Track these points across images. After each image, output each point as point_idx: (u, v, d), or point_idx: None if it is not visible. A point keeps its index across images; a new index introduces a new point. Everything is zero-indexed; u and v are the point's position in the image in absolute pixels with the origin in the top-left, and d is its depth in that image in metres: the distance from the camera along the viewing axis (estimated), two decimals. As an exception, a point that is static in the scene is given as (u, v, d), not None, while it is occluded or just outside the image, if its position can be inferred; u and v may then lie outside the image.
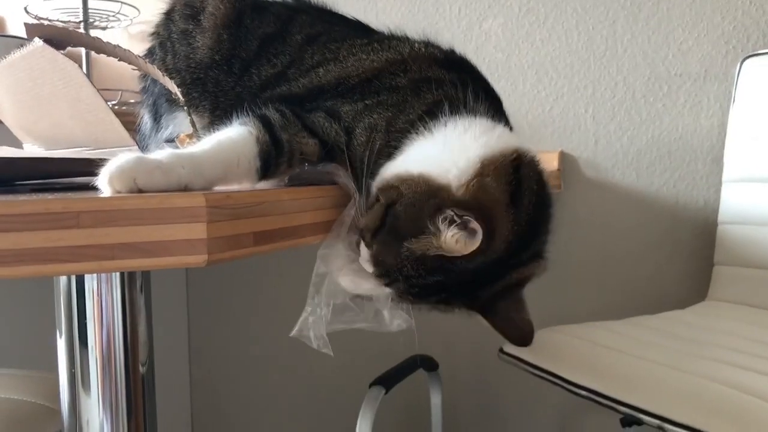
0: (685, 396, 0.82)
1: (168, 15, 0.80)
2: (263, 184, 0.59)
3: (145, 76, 0.81)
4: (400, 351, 1.36)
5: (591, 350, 0.99)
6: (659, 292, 1.40)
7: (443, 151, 0.59)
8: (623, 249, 1.43)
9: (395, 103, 0.62)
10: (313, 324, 0.63)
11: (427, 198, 0.57)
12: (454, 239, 0.55)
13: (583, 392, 0.92)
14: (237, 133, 0.57)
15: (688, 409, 0.80)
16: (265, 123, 0.59)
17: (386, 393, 1.17)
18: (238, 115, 0.60)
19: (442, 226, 0.56)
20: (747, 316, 1.15)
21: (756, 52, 1.27)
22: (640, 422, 0.86)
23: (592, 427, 1.49)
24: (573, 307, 1.46)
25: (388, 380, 1.20)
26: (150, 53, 0.81)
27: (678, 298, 1.36)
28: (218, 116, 0.73)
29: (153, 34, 0.81)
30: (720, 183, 1.30)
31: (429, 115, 0.61)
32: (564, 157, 1.47)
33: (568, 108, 1.46)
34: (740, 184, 1.26)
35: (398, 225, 0.58)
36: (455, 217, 0.56)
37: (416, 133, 0.61)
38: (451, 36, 1.56)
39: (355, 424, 1.12)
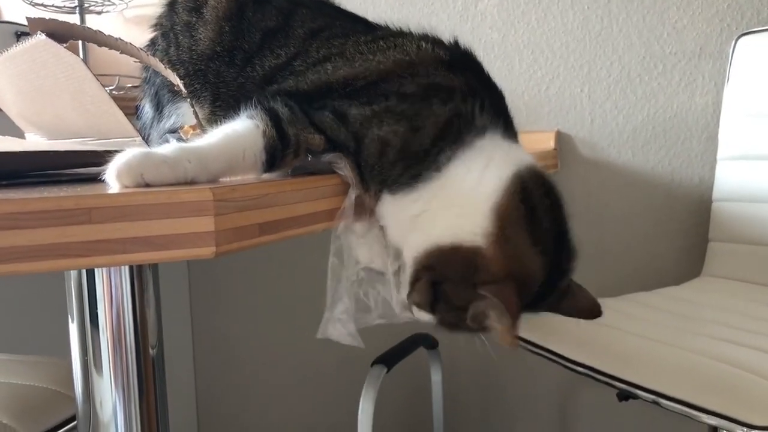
0: (680, 371, 0.84)
1: (171, 6, 0.81)
2: (267, 175, 0.60)
3: (146, 66, 0.81)
4: (401, 330, 1.38)
5: (588, 327, 1.00)
6: (655, 268, 1.42)
7: (462, 209, 0.62)
8: (619, 227, 1.45)
9: (405, 114, 0.63)
10: (339, 320, 0.65)
11: (466, 271, 0.62)
12: (495, 323, 0.63)
13: (581, 369, 0.94)
14: (244, 127, 0.58)
15: (682, 384, 0.82)
16: (273, 117, 0.59)
17: (388, 371, 1.19)
18: (244, 107, 0.60)
19: (483, 304, 0.62)
20: (741, 292, 1.17)
21: (750, 30, 1.28)
22: (635, 397, 0.88)
23: (589, 402, 1.52)
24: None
25: (389, 359, 1.22)
26: (152, 44, 0.81)
27: (673, 274, 1.38)
28: (219, 107, 0.74)
29: (155, 25, 0.82)
30: (715, 161, 1.31)
31: (441, 142, 0.63)
32: (560, 137, 1.48)
33: (564, 87, 1.47)
34: (735, 161, 1.28)
35: (452, 300, 0.64)
36: (486, 297, 0.61)
37: (430, 168, 0.63)
38: (447, 16, 1.56)
39: (358, 402, 1.14)
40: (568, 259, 0.68)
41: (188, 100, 0.64)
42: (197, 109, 0.71)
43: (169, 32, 0.79)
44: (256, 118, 0.59)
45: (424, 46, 0.69)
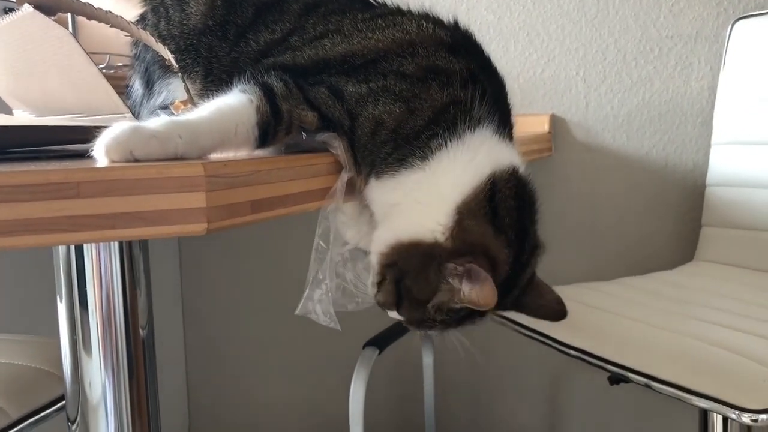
0: (672, 355, 0.85)
1: None
2: (260, 152, 0.59)
3: (136, 42, 0.79)
4: (393, 313, 1.38)
5: (580, 311, 1.01)
6: (648, 252, 1.42)
7: (429, 206, 0.63)
8: (613, 210, 1.45)
9: (402, 95, 0.62)
10: (319, 301, 0.64)
11: (427, 262, 0.62)
12: (472, 293, 0.61)
13: (573, 352, 0.94)
14: (237, 101, 0.57)
15: (674, 368, 0.83)
16: (267, 91, 0.58)
17: (380, 353, 1.19)
18: (237, 81, 0.59)
19: (453, 282, 0.62)
20: (733, 276, 1.18)
21: (747, 14, 1.27)
22: (627, 380, 0.88)
23: (581, 385, 1.52)
24: (563, 268, 1.48)
25: (381, 341, 1.21)
26: (142, 19, 0.80)
27: (666, 258, 1.38)
28: (211, 82, 0.73)
29: None
30: (709, 145, 1.31)
31: (434, 127, 0.62)
32: (554, 120, 1.47)
33: (559, 70, 1.46)
34: (729, 146, 1.28)
35: (414, 295, 0.64)
36: (457, 268, 0.61)
37: (416, 155, 0.62)
38: (443, -3, 1.55)
39: (350, 383, 1.14)
40: (531, 253, 0.68)
41: (180, 74, 0.62)
42: (189, 84, 0.69)
43: (159, 6, 0.78)
44: (250, 92, 0.58)
45: (425, 25, 0.68)
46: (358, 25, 0.68)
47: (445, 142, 0.62)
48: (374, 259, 0.65)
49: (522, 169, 0.68)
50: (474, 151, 0.63)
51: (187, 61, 0.73)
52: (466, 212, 0.62)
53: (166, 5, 0.77)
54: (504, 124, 0.69)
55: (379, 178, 0.63)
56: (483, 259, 0.62)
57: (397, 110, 0.61)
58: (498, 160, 0.65)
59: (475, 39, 0.72)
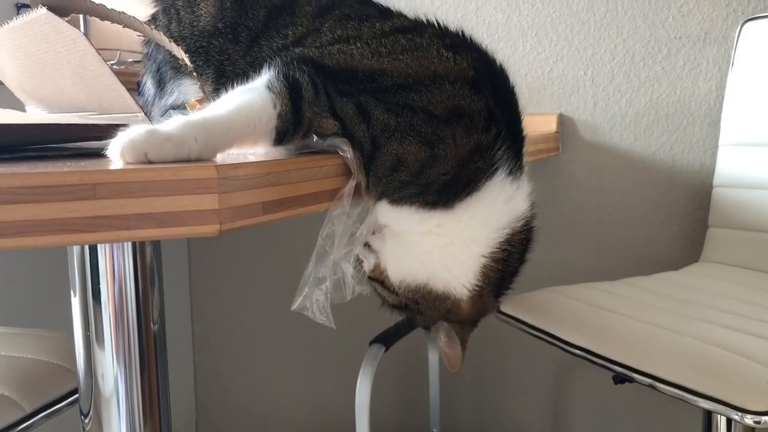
0: (676, 356, 0.85)
1: None
2: (274, 151, 0.60)
3: (148, 41, 0.80)
4: (399, 310, 1.39)
5: (586, 310, 1.01)
6: (654, 253, 1.42)
7: (458, 260, 0.70)
8: (619, 210, 1.45)
9: (428, 139, 0.63)
10: (317, 299, 0.65)
11: (440, 308, 0.73)
12: (445, 348, 0.79)
13: (577, 351, 0.94)
14: (260, 101, 0.57)
15: (678, 369, 0.83)
16: (294, 93, 0.59)
17: (386, 351, 1.20)
18: (267, 67, 0.60)
19: (440, 330, 0.77)
20: (739, 278, 1.18)
21: (756, 16, 1.27)
22: (631, 380, 0.89)
23: (585, 384, 1.53)
24: (569, 268, 1.49)
25: (387, 338, 1.22)
26: (153, 19, 0.80)
27: (672, 259, 1.39)
28: (223, 84, 0.73)
29: (156, 0, 0.81)
30: (716, 146, 1.31)
31: (454, 179, 0.65)
32: (562, 119, 1.47)
33: (568, 70, 1.46)
34: (736, 147, 1.28)
35: (419, 317, 0.76)
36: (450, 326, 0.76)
37: (440, 203, 0.66)
38: (452, -4, 1.55)
39: (356, 381, 1.15)
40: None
41: (193, 73, 0.63)
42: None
43: (170, 8, 0.78)
44: (275, 92, 0.58)
45: (445, 55, 0.67)
46: (381, 41, 0.67)
47: (468, 194, 0.66)
48: (396, 282, 0.72)
49: (530, 215, 0.73)
50: (491, 204, 0.68)
51: (198, 62, 0.73)
52: (487, 278, 0.71)
53: (177, 7, 0.77)
54: (517, 155, 0.71)
55: (395, 205, 0.66)
56: (471, 327, 0.77)
57: (423, 154, 0.63)
58: (512, 213, 0.70)
59: (496, 65, 0.73)
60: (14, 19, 0.71)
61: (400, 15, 0.75)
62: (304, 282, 0.65)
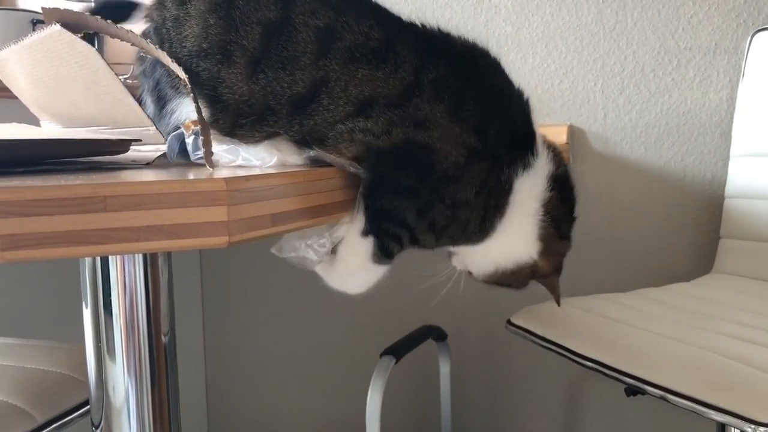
0: (689, 367, 0.84)
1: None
2: (281, 165, 0.61)
3: (142, 58, 0.78)
4: (410, 322, 1.39)
5: (597, 322, 1.01)
6: (666, 264, 1.42)
7: (514, 245, 0.78)
8: (631, 222, 1.45)
9: (463, 223, 0.71)
10: (298, 260, 0.71)
11: (525, 274, 0.82)
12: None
13: (589, 363, 0.94)
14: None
15: (691, 381, 0.82)
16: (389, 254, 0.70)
17: (396, 362, 1.20)
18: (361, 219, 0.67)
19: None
20: (752, 289, 1.17)
21: (766, 26, 1.27)
22: (643, 392, 0.88)
23: (597, 396, 1.52)
24: (580, 279, 1.48)
25: (398, 350, 1.22)
26: (144, 36, 0.74)
27: (684, 270, 1.38)
28: (219, 109, 0.67)
29: (147, 17, 0.75)
30: (728, 157, 1.31)
31: (488, 219, 0.73)
32: (573, 131, 1.47)
33: (578, 81, 1.46)
34: (748, 158, 1.27)
35: (507, 281, 0.83)
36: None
37: (476, 237, 0.75)
38: (461, 8, 1.56)
39: (367, 392, 1.15)
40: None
41: (192, 95, 0.61)
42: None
43: (161, 27, 0.72)
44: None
45: (465, 140, 0.68)
46: (412, 113, 0.66)
47: (502, 215, 0.73)
48: (481, 277, 0.83)
49: (552, 167, 0.77)
50: (520, 205, 0.74)
51: (191, 85, 0.66)
52: (546, 238, 0.78)
53: (167, 27, 0.71)
54: (526, 146, 0.74)
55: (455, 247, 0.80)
56: (556, 275, 0.85)
57: (457, 233, 0.73)
58: (538, 193, 0.76)
59: (522, 105, 0.76)
60: (29, 35, 0.72)
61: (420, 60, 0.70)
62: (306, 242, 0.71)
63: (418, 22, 0.72)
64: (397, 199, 0.66)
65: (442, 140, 0.66)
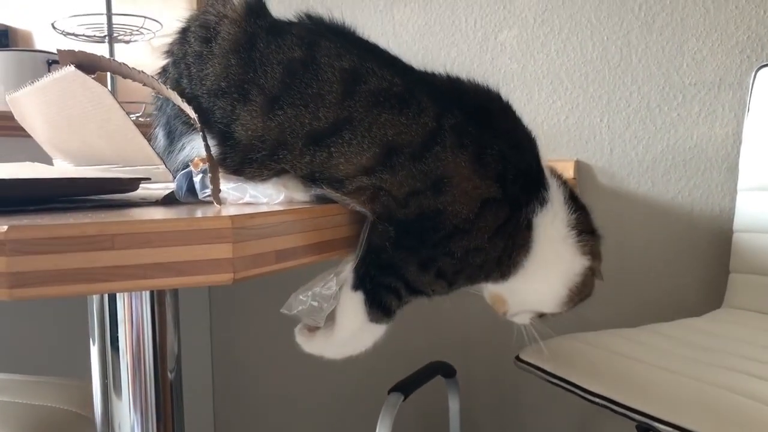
0: (699, 404, 0.83)
1: (183, 34, 0.75)
2: (287, 202, 0.61)
3: (158, 94, 0.79)
4: (419, 358, 1.38)
5: (606, 358, 1.00)
6: (675, 299, 1.41)
7: (547, 293, 0.79)
8: (639, 257, 1.44)
9: (478, 266, 0.70)
10: (309, 313, 0.70)
11: (590, 275, 0.83)
12: None
13: (598, 400, 0.93)
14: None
15: (702, 418, 0.81)
16: (387, 311, 0.69)
17: (405, 399, 1.19)
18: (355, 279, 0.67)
19: None
20: (763, 324, 1.16)
21: (770, 62, 1.28)
22: (655, 430, 0.87)
23: (609, 434, 1.50)
24: (589, 315, 1.47)
25: (406, 387, 1.21)
26: (164, 71, 0.76)
27: (693, 305, 1.37)
28: (230, 147, 0.68)
29: (167, 52, 0.76)
30: (735, 191, 1.31)
31: (509, 260, 0.72)
32: (579, 166, 1.48)
33: (584, 117, 1.48)
34: (755, 192, 1.27)
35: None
36: None
37: (512, 275, 0.74)
38: (467, 47, 1.58)
39: (375, 429, 1.14)
40: None
41: (202, 133, 0.62)
42: (211, 142, 0.69)
43: (180, 62, 0.73)
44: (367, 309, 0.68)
45: (479, 190, 0.67)
46: (435, 171, 0.65)
47: (527, 252, 0.72)
48: (558, 308, 0.81)
49: (565, 192, 0.77)
50: (546, 238, 0.73)
51: (203, 122, 0.67)
52: (590, 253, 0.80)
53: (188, 62, 0.72)
54: (538, 186, 0.73)
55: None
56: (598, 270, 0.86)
57: (475, 273, 0.71)
58: (565, 221, 0.76)
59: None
60: (45, 75, 0.74)
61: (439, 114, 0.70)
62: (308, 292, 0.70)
63: (429, 71, 0.73)
64: (397, 253, 0.66)
65: (455, 203, 0.65)
